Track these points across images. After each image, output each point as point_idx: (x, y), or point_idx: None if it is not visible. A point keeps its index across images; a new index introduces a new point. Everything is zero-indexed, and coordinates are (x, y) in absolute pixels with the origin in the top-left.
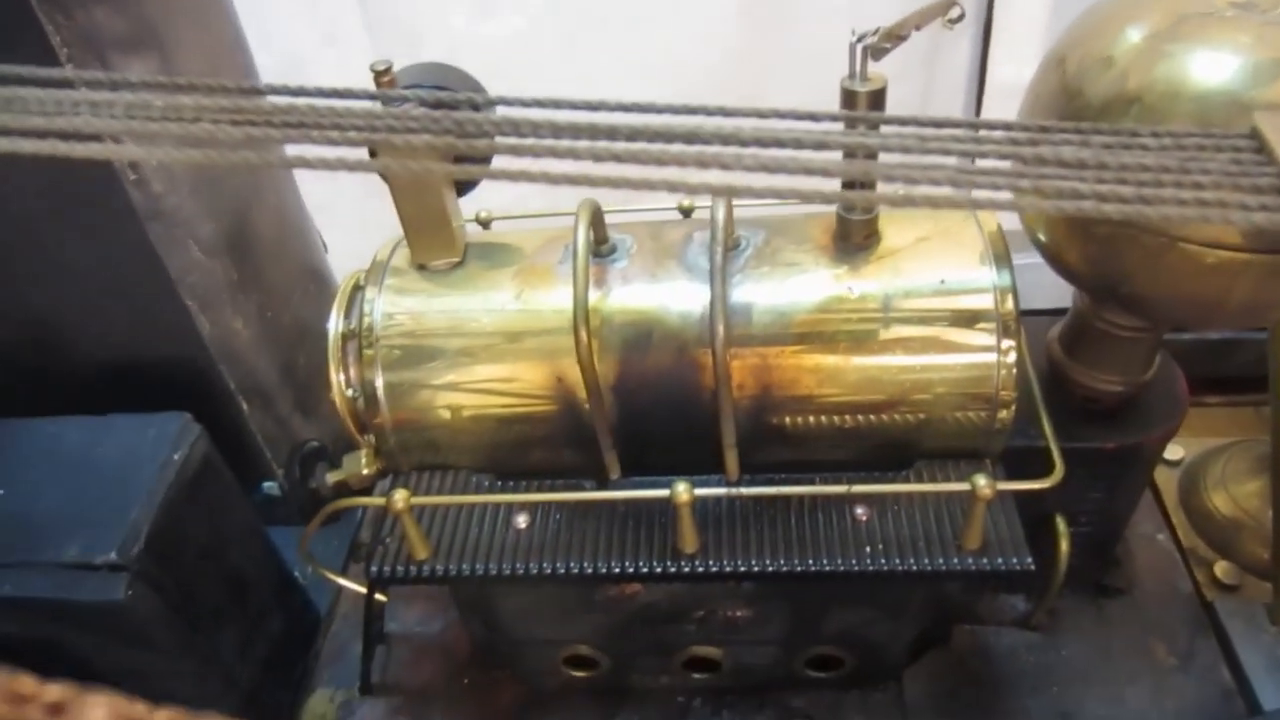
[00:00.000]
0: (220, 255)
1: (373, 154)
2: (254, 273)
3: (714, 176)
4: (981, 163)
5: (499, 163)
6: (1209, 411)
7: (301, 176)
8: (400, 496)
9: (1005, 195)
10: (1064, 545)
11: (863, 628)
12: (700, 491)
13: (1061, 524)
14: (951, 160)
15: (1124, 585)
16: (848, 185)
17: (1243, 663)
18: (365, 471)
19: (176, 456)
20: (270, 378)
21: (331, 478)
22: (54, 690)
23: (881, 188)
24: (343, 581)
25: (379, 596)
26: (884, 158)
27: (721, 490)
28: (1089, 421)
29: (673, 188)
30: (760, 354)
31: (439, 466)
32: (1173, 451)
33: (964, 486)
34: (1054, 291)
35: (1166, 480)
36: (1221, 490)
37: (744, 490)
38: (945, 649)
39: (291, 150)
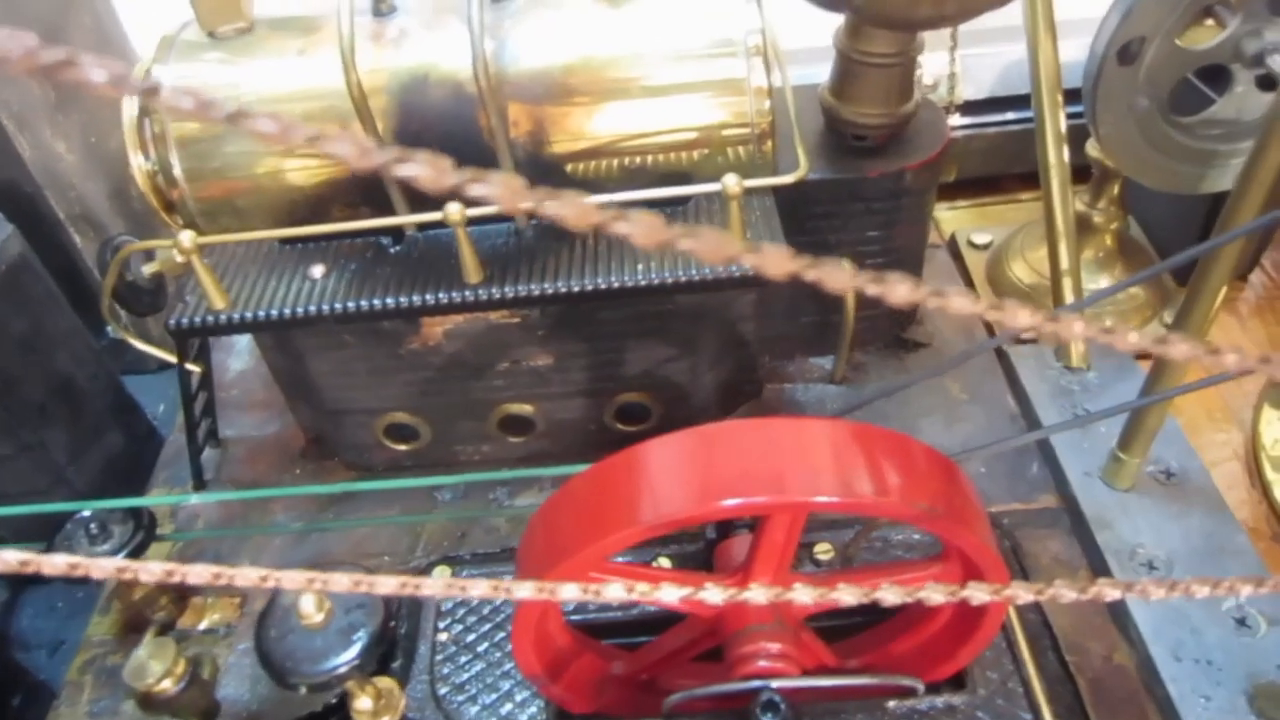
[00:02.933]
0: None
1: None
2: (73, 92)
3: None
4: None
5: None
6: (1022, 205)
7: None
8: (188, 236)
9: None
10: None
11: (661, 369)
12: (474, 211)
13: (846, 264)
14: None
15: (925, 340)
16: None
17: (1028, 392)
18: (180, 259)
19: None
20: (100, 206)
21: (147, 269)
22: None
23: None
24: (146, 347)
25: (192, 367)
26: None
27: (493, 209)
28: (858, 156)
29: None
30: (531, 95)
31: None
32: (981, 237)
33: (715, 187)
34: None
35: (975, 261)
36: (1019, 259)
37: (516, 210)
38: (757, 402)
39: None
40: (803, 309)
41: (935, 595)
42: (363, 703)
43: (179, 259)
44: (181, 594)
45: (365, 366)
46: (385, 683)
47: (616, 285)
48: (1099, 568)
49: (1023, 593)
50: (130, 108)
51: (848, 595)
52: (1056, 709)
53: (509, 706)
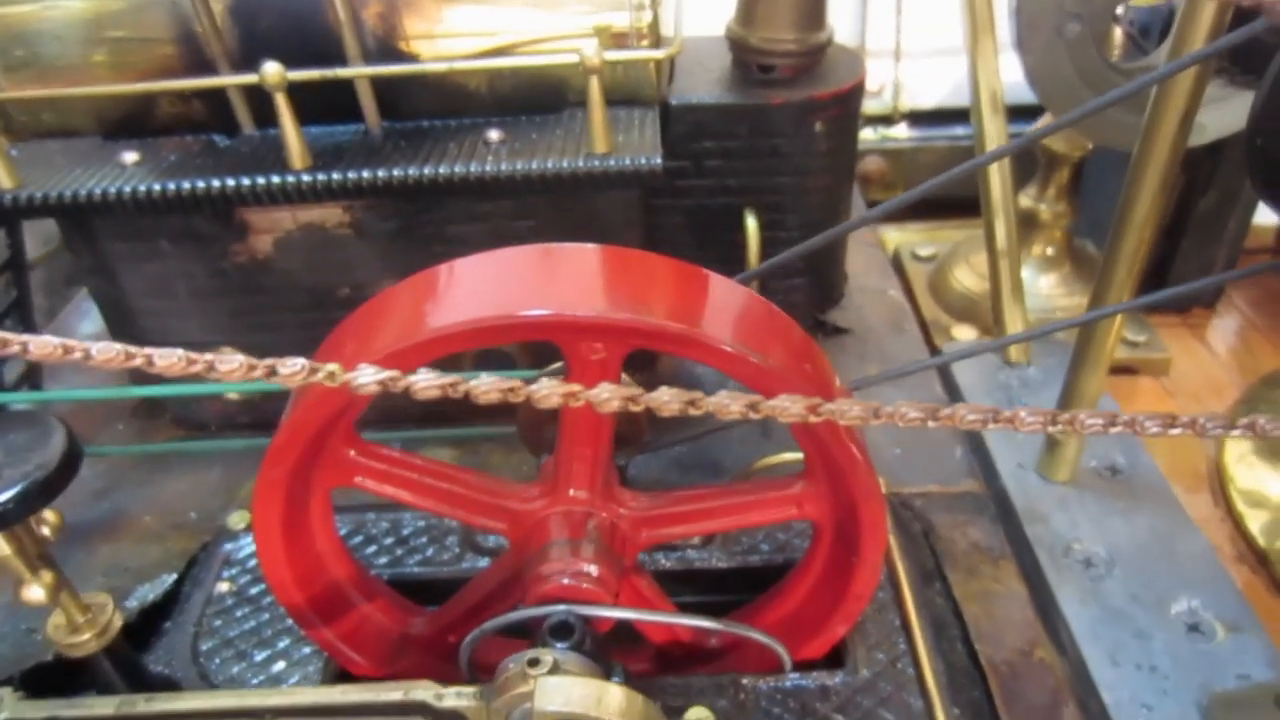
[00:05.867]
0: None
1: None
2: None
3: None
4: None
5: None
6: (969, 229)
7: None
8: None
9: None
10: (754, 243)
11: None
12: (296, 74)
13: (751, 219)
14: None
15: (846, 325)
16: None
17: (960, 385)
18: None
19: None
20: None
21: None
22: None
23: None
24: None
25: None
26: None
27: (315, 72)
28: (765, 87)
29: None
30: None
31: (66, 133)
32: (925, 249)
33: (570, 58)
34: None
35: (918, 272)
36: (963, 264)
37: (344, 71)
38: (652, 372)
39: None
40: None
41: (732, 406)
42: (32, 591)
43: None
44: None
45: (186, 285)
46: (98, 598)
47: (459, 174)
48: (1027, 562)
49: (854, 409)
50: None
51: (658, 399)
52: (957, 700)
53: (281, 665)
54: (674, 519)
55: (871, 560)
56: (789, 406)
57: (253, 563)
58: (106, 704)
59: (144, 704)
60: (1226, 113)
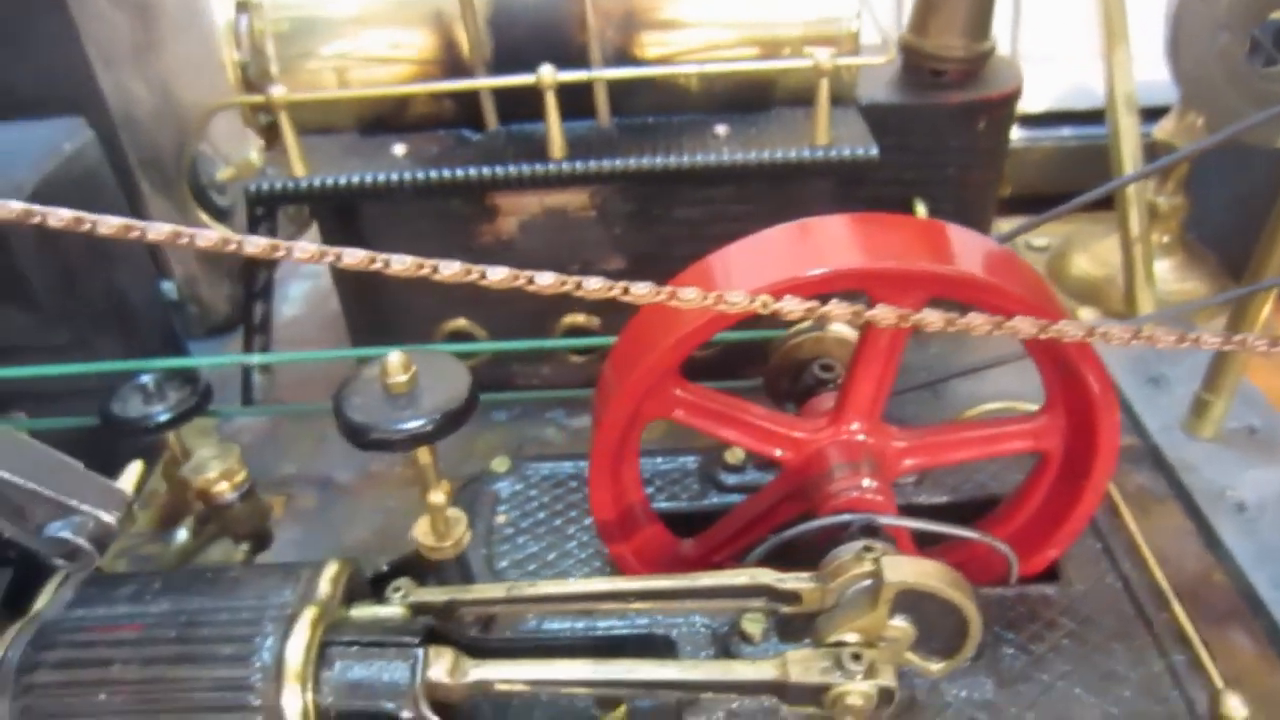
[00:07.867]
0: (126, 8)
1: None
2: (160, 39)
3: None
4: None
5: None
6: (1077, 223)
7: None
8: (279, 89)
9: None
10: None
11: None
12: (565, 75)
13: (921, 207)
14: None
15: None
16: None
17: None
18: (256, 162)
19: (67, 147)
20: (169, 157)
21: (222, 175)
22: None
23: None
24: (213, 224)
25: None
26: None
27: (584, 74)
28: (937, 89)
29: None
30: None
31: (325, 130)
32: (1039, 240)
33: (806, 62)
34: None
35: (1034, 261)
36: (1082, 252)
37: (607, 73)
38: None
39: None
40: None
41: (1025, 327)
42: (436, 496)
43: (254, 159)
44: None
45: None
46: (454, 512)
47: (700, 163)
48: (1187, 507)
49: (1167, 335)
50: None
51: (934, 320)
52: (1159, 611)
53: None
54: (930, 449)
55: (1101, 482)
56: (1115, 331)
57: (520, 500)
58: (497, 589)
59: (529, 588)
60: None
